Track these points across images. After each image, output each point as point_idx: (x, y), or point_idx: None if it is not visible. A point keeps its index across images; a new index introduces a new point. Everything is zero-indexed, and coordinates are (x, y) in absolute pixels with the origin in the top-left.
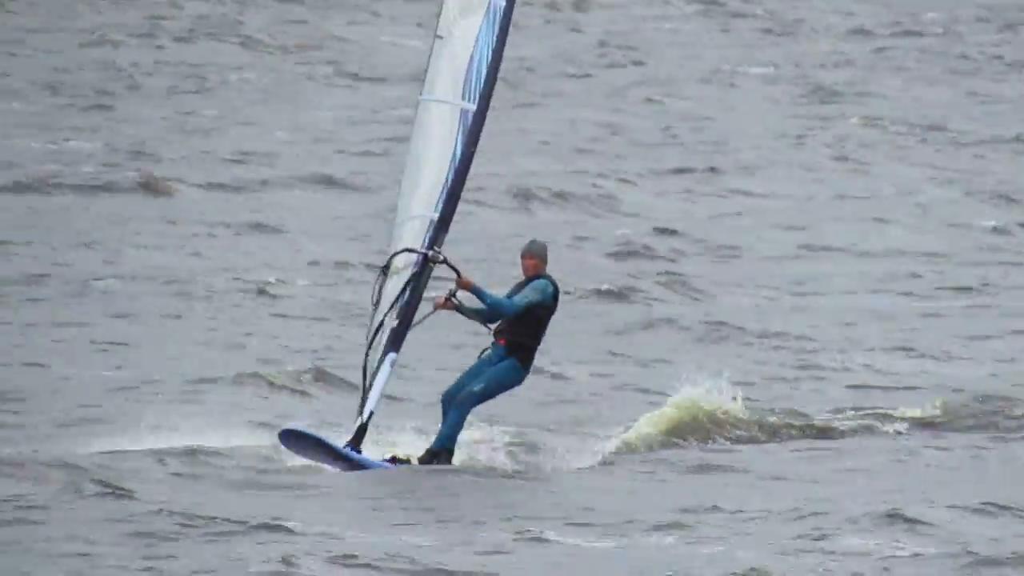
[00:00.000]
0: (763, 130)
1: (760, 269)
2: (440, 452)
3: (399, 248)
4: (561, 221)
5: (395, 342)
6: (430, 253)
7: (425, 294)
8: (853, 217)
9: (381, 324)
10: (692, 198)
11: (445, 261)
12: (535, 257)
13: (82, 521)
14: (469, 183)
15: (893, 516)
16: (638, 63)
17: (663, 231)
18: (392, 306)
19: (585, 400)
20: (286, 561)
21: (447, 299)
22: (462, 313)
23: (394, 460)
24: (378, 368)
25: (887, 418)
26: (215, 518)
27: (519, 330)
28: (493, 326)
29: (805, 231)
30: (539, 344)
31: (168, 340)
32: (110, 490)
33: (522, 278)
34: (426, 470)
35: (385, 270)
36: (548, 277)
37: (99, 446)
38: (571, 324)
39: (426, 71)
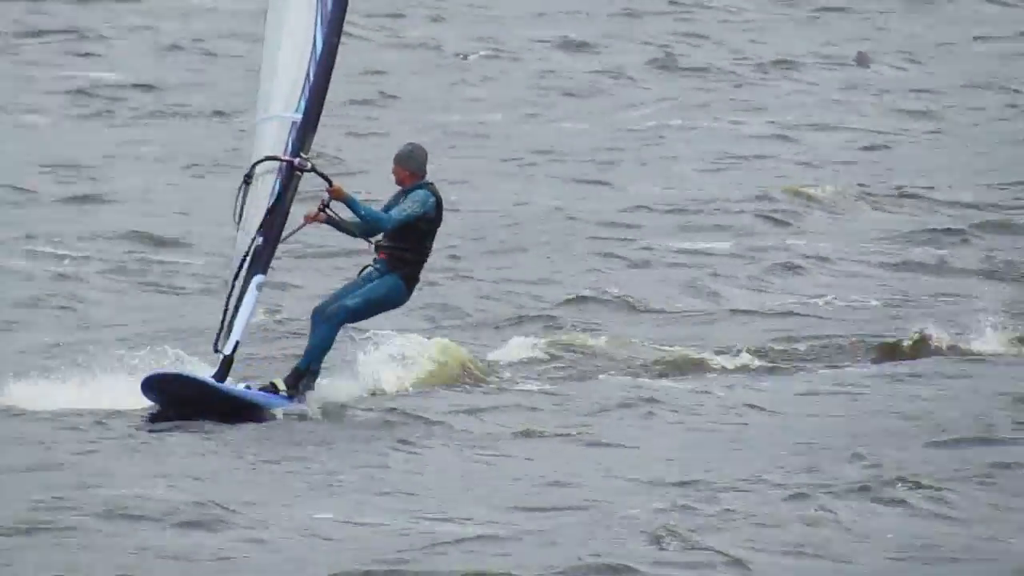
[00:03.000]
0: None
1: None
2: (304, 372)
3: (261, 156)
4: None
5: (261, 263)
6: (296, 160)
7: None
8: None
9: (249, 246)
10: None
11: (313, 169)
12: (408, 167)
13: None
14: None
15: None
16: None
17: None
18: (260, 223)
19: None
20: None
21: (319, 211)
22: (335, 227)
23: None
24: (243, 294)
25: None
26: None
27: (401, 244)
28: (372, 240)
29: None
30: (425, 260)
31: None
32: None
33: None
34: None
35: (247, 181)
36: (429, 186)
37: None
38: None
39: None
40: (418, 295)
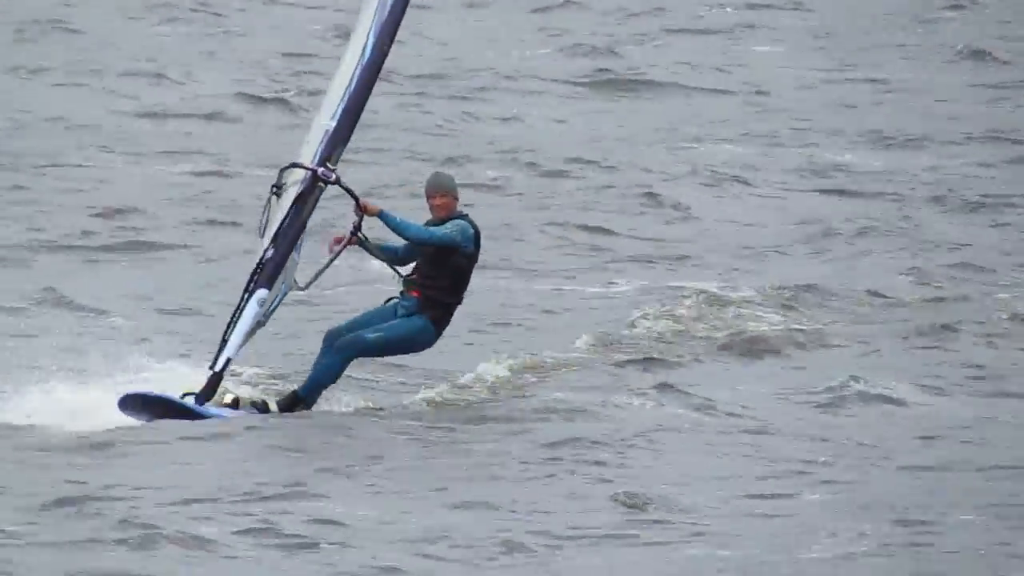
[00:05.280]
0: None
1: None
2: (302, 400)
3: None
4: None
5: (268, 277)
6: (320, 171)
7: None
8: None
9: (260, 259)
10: None
11: (338, 182)
12: (448, 193)
13: None
14: None
15: None
16: None
17: None
18: (274, 234)
19: None
20: None
21: (351, 235)
22: (368, 251)
23: (235, 404)
24: (239, 310)
25: None
26: None
27: (438, 283)
28: (405, 271)
29: None
30: (459, 303)
31: None
32: None
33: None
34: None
35: (276, 190)
36: (467, 217)
37: None
38: None
39: None
40: None
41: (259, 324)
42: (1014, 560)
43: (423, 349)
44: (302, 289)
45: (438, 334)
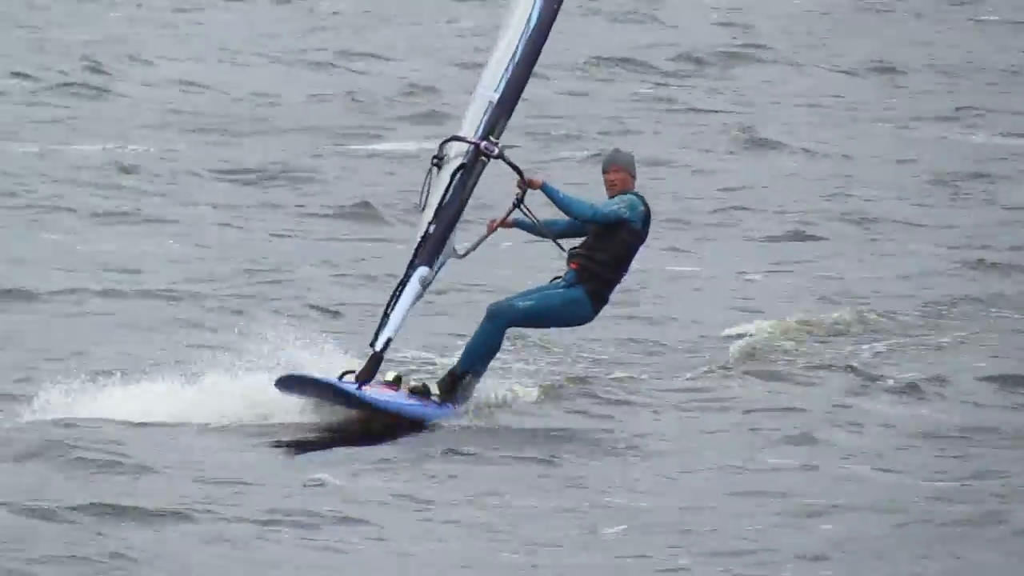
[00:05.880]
0: None
1: None
2: (463, 375)
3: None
4: None
5: (429, 254)
6: (483, 144)
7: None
8: None
9: (427, 232)
10: None
11: (501, 156)
12: (622, 169)
13: None
14: None
15: None
16: None
17: None
18: (435, 210)
19: None
20: None
21: (509, 212)
22: (527, 229)
23: (397, 383)
24: (402, 286)
25: None
26: None
27: (598, 256)
28: (569, 246)
29: None
30: (619, 280)
31: None
32: None
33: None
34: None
35: (436, 162)
36: (639, 195)
37: None
38: None
39: None
40: None
41: (420, 296)
42: None
43: (580, 323)
44: (461, 257)
45: (596, 310)
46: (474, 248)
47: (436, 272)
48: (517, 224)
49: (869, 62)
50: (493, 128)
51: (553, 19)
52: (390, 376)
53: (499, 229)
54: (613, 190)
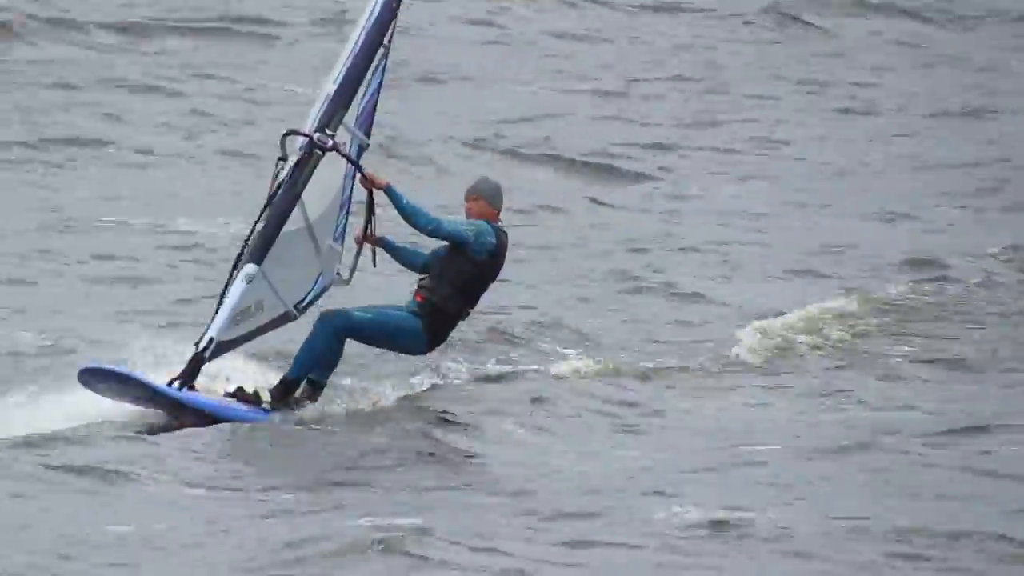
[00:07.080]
0: None
1: None
2: (295, 382)
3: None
4: None
5: (256, 252)
6: (316, 136)
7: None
8: None
9: (253, 229)
10: None
11: (336, 148)
12: (481, 198)
13: None
14: None
15: None
16: None
17: None
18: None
19: None
20: None
21: (366, 227)
22: (388, 251)
23: (236, 396)
24: (228, 285)
25: None
26: None
27: (441, 290)
28: (420, 279)
29: None
30: (460, 316)
31: None
32: None
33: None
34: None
35: (281, 161)
36: (497, 227)
37: None
38: None
39: None
40: None
41: (290, 318)
42: None
43: (411, 354)
44: (347, 282)
45: (430, 345)
46: (354, 269)
47: (314, 295)
48: (384, 244)
49: None
50: (330, 120)
51: (392, 18)
52: (231, 388)
53: (371, 246)
54: (469, 217)
